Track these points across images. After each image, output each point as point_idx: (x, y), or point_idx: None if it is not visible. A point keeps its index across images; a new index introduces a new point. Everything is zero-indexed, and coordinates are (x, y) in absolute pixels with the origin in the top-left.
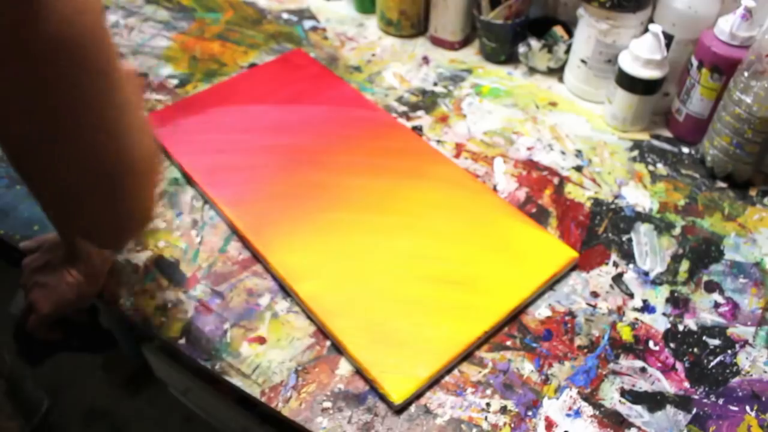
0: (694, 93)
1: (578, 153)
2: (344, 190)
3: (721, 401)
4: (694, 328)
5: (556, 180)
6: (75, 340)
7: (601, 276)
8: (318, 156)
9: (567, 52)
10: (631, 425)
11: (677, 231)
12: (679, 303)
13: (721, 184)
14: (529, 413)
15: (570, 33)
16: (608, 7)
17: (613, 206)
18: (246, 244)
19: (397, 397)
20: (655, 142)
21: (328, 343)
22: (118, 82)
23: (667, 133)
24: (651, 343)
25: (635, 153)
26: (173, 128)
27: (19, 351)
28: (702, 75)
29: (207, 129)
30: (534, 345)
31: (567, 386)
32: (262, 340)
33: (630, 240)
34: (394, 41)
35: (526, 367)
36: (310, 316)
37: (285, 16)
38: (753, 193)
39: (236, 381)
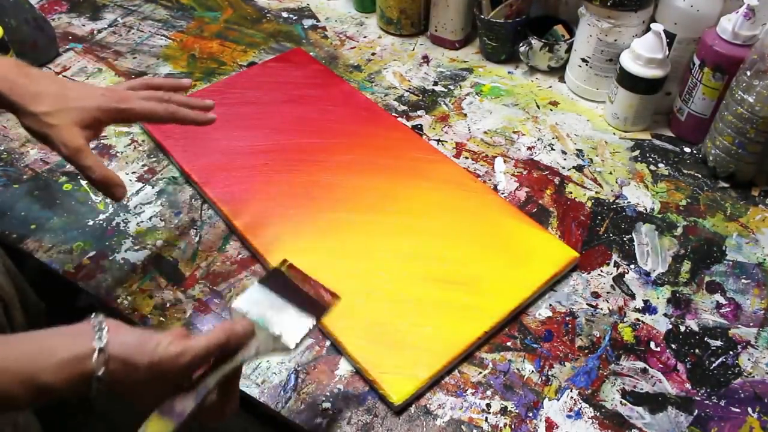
0: (696, 92)
1: (579, 152)
2: (344, 190)
3: (722, 403)
4: (695, 329)
5: (557, 180)
6: None
7: (602, 276)
8: (317, 155)
9: (568, 51)
10: (632, 426)
11: (679, 231)
12: (680, 304)
13: (723, 184)
14: (530, 414)
15: (571, 32)
16: (610, 5)
17: (614, 206)
18: (245, 243)
19: (397, 398)
20: (657, 142)
21: (327, 343)
22: None
23: (669, 133)
24: (652, 344)
25: (636, 153)
26: (172, 127)
27: None
28: (704, 74)
29: (206, 128)
30: (534, 346)
31: (568, 387)
32: None
33: (631, 240)
34: (394, 40)
35: (527, 368)
36: None
37: (284, 14)
38: (755, 193)
39: None
